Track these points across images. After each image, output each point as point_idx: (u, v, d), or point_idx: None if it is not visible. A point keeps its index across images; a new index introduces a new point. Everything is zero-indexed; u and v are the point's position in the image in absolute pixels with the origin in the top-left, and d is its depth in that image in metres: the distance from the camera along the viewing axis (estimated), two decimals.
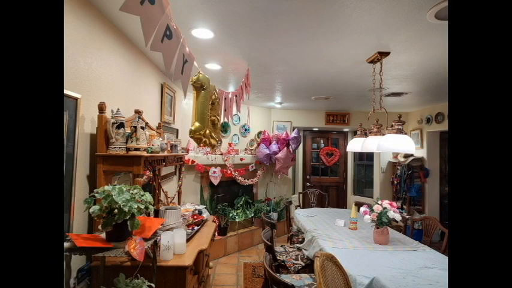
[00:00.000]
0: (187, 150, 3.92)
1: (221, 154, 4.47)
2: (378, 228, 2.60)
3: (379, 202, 2.65)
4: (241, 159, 4.76)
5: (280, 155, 4.92)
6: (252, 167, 4.94)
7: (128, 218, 1.31)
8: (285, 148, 4.97)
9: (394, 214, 2.53)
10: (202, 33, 2.08)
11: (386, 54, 2.37)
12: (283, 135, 5.07)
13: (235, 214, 4.45)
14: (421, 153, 5.14)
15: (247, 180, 4.79)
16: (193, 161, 4.06)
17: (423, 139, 5.14)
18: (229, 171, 4.50)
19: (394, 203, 2.65)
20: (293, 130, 5.19)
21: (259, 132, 5.26)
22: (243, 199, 4.79)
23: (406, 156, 5.10)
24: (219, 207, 4.34)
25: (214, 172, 4.33)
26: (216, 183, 4.37)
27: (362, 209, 2.73)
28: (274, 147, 4.97)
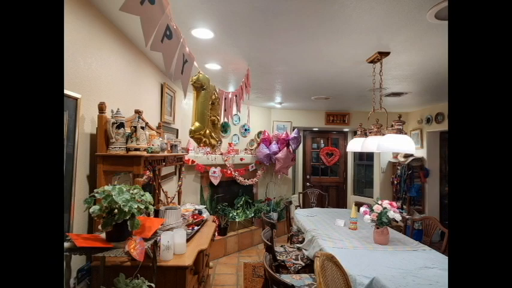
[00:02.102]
0: (187, 150, 3.92)
1: (221, 154, 4.47)
2: (378, 228, 2.60)
3: (379, 202, 2.65)
4: (241, 159, 4.76)
5: (280, 155, 4.92)
6: (252, 167, 4.94)
7: (128, 218, 1.31)
8: (285, 148, 4.97)
9: (394, 214, 2.53)
10: (202, 33, 2.08)
11: (387, 54, 2.37)
12: (283, 135, 5.07)
13: (235, 214, 4.45)
14: (421, 153, 5.14)
15: (247, 180, 4.79)
16: (193, 161, 4.06)
17: (423, 139, 5.14)
18: (229, 171, 4.49)
19: (394, 203, 2.65)
20: (293, 130, 5.19)
21: (259, 132, 5.26)
22: (243, 199, 4.79)
23: (406, 156, 5.10)
24: (219, 207, 4.34)
25: (214, 172, 4.33)
26: (216, 183, 4.37)
27: (362, 209, 2.73)
28: (274, 147, 4.97)
